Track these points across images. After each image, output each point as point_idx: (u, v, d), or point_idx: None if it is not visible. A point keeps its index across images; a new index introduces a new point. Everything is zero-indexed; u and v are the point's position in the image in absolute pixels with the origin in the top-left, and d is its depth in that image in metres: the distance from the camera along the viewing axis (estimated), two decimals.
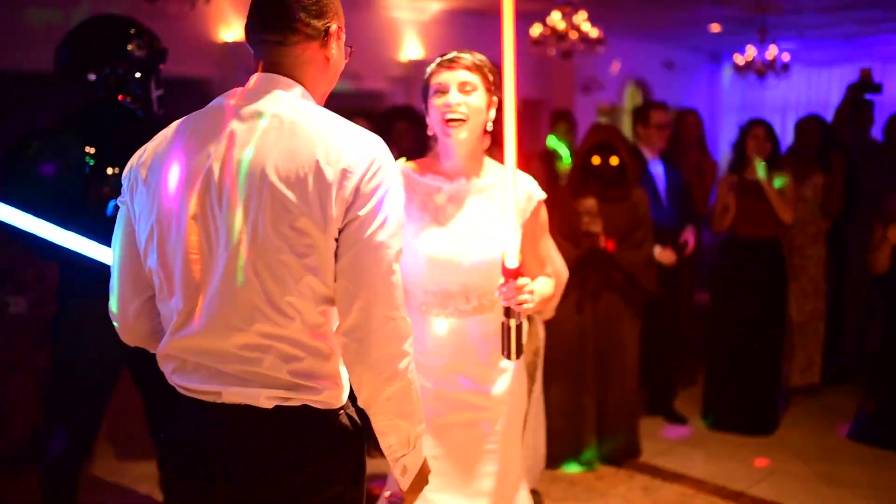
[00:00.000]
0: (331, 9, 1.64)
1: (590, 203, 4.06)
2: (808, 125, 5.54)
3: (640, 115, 4.98)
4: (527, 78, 9.66)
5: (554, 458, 4.21)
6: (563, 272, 2.83)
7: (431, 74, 2.29)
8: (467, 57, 2.28)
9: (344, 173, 1.49)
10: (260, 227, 1.50)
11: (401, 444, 1.64)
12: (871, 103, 5.94)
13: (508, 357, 2.15)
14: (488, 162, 2.37)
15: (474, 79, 2.26)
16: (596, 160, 4.08)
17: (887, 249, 4.40)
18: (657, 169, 4.90)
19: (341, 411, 1.64)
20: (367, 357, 1.54)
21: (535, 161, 5.09)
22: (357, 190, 1.49)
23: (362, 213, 1.50)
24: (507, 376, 2.39)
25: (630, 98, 12.31)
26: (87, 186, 2.85)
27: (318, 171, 1.48)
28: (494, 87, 2.27)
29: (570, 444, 4.23)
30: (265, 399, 1.55)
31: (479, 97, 2.27)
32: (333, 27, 1.64)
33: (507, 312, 2.12)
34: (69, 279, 2.99)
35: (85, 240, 2.38)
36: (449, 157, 2.33)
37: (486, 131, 2.31)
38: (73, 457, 3.02)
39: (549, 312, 3.13)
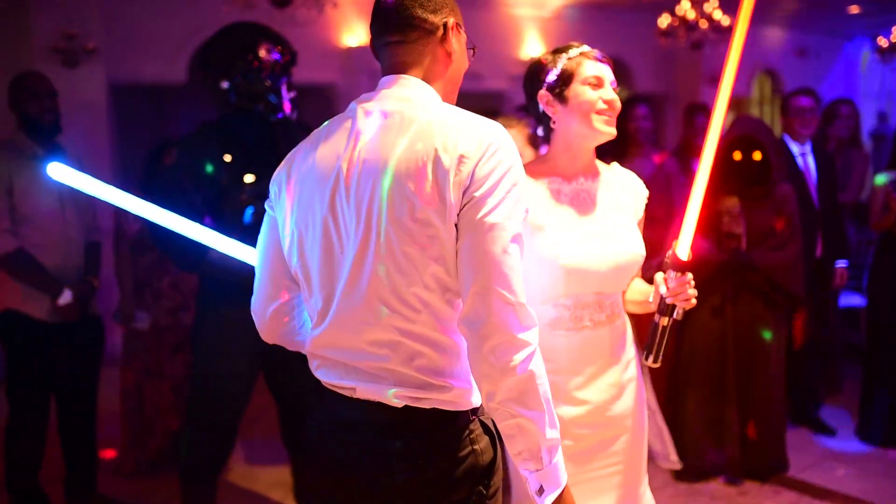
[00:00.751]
0: (447, 4, 1.67)
1: (731, 202, 3.84)
2: None
3: (783, 104, 4.71)
4: (650, 71, 9.41)
5: (695, 472, 4.03)
6: None
7: (578, 65, 2.17)
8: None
9: (461, 159, 1.50)
10: (384, 221, 1.52)
11: (531, 452, 1.54)
12: None
13: (655, 360, 2.06)
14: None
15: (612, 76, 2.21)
16: (737, 156, 3.86)
17: None
18: (808, 160, 4.62)
19: (474, 417, 1.62)
20: (483, 345, 1.49)
21: (670, 157, 4.87)
22: (473, 174, 1.50)
23: (478, 194, 1.49)
24: (632, 389, 2.27)
25: (759, 89, 11.80)
26: (225, 194, 2.88)
27: (437, 160, 1.50)
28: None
29: (712, 457, 4.02)
30: (394, 397, 1.56)
31: None
32: (451, 21, 1.67)
33: (665, 310, 2.03)
34: (208, 288, 3.03)
35: (231, 240, 2.37)
36: (574, 157, 2.22)
37: None
38: (211, 463, 3.06)
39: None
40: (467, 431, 1.60)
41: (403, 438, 1.57)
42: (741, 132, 3.93)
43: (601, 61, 2.18)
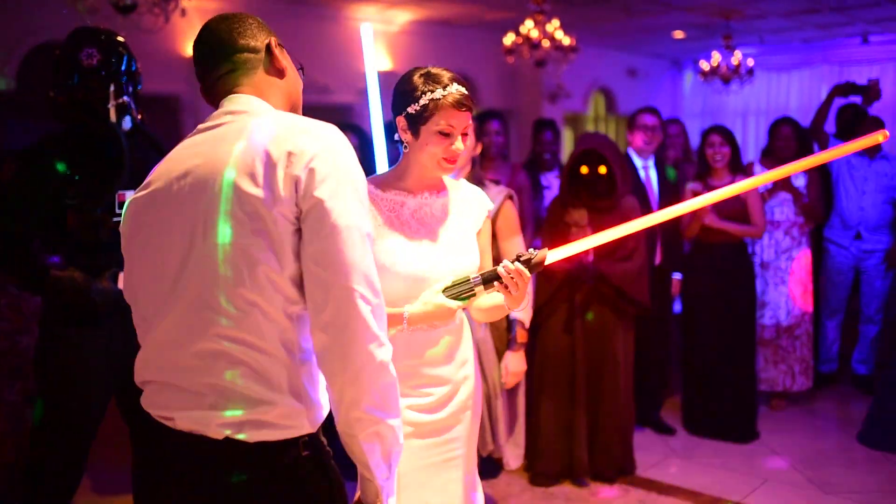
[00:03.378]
0: (262, 28, 1.73)
1: (579, 214, 3.99)
2: (783, 128, 5.56)
3: (629, 121, 4.98)
4: (495, 87, 9.67)
5: (547, 476, 4.15)
6: None
7: (437, 109, 2.16)
8: (469, 98, 2.23)
9: (290, 154, 1.49)
10: (211, 221, 1.50)
11: (387, 459, 1.58)
12: (857, 107, 5.97)
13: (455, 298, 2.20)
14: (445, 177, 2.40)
15: (470, 121, 2.28)
16: (584, 170, 4.02)
17: None
18: (650, 174, 4.89)
19: (306, 452, 1.56)
20: (349, 351, 1.48)
21: (521, 171, 5.02)
22: (308, 172, 1.48)
23: (321, 195, 1.48)
24: (468, 386, 2.41)
25: (594, 106, 12.37)
26: (72, 210, 2.72)
27: (266, 155, 1.50)
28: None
29: (564, 462, 4.16)
30: (217, 425, 1.50)
31: (469, 138, 2.41)
32: (273, 41, 1.72)
33: (488, 282, 2.16)
34: (52, 309, 2.84)
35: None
36: (421, 177, 2.31)
37: None
38: (57, 495, 2.87)
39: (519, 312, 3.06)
40: (296, 470, 1.54)
41: (222, 484, 1.50)
42: (587, 147, 4.09)
43: (461, 109, 2.19)
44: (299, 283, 1.52)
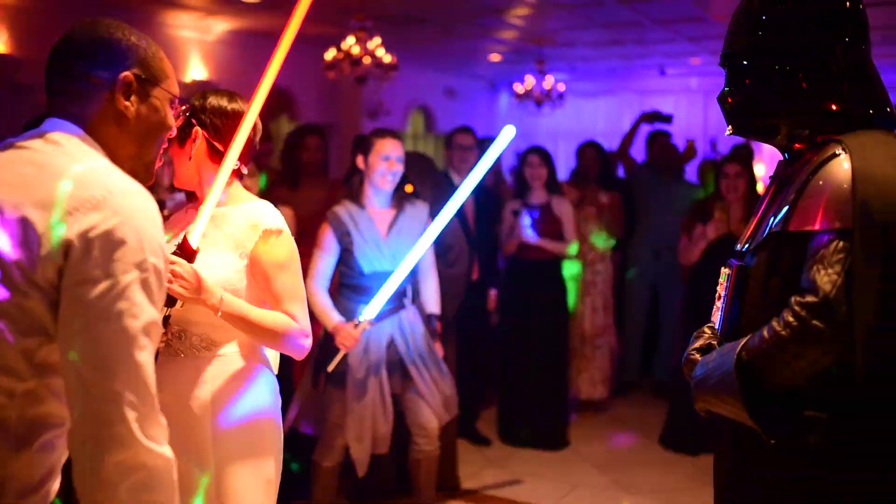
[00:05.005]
0: (129, 55, 1.48)
1: None
2: (588, 150, 5.89)
3: (447, 140, 5.09)
4: (315, 102, 9.60)
5: (376, 492, 4.14)
6: (304, 321, 2.30)
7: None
8: None
9: (45, 203, 1.29)
10: None
11: None
12: (667, 134, 6.38)
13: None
14: (238, 193, 2.29)
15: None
16: (409, 188, 4.06)
17: (704, 243, 4.73)
18: None
19: None
20: (102, 465, 1.26)
21: (341, 189, 5.00)
22: (62, 228, 1.27)
23: (81, 261, 1.27)
24: (206, 420, 2.17)
25: (413, 124, 12.55)
26: None
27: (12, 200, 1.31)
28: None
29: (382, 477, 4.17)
30: None
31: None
32: (129, 75, 1.47)
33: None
34: None
35: None
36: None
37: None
38: None
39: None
40: None
41: None
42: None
43: None
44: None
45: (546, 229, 4.97)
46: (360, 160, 3.61)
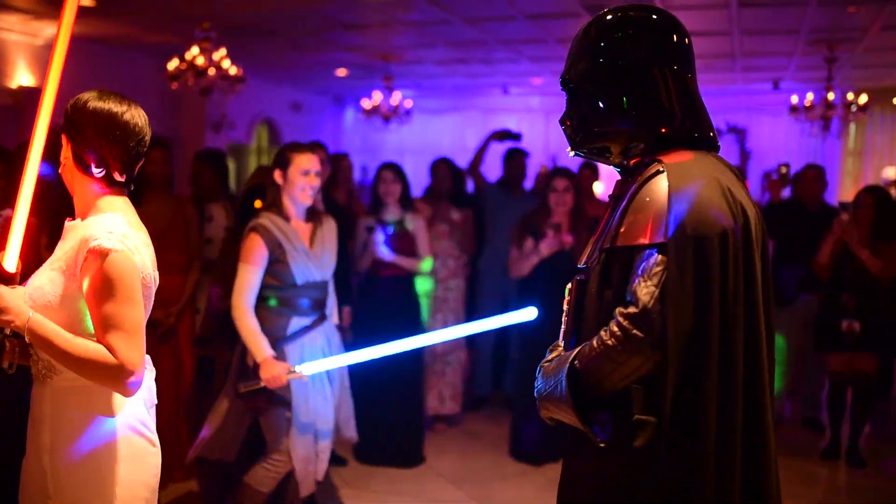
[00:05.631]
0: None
1: None
2: (441, 167, 5.94)
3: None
4: (157, 113, 9.22)
5: None
6: (126, 355, 1.98)
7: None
8: None
9: None
10: None
11: None
12: (524, 153, 6.50)
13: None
14: (105, 204, 2.11)
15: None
16: (258, 204, 3.95)
17: (536, 259, 4.84)
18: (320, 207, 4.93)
19: None
20: None
21: (189, 202, 4.80)
22: None
23: None
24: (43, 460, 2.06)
25: (258, 138, 12.29)
26: None
27: None
28: None
29: None
30: None
31: None
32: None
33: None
34: None
35: None
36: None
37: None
38: None
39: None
40: None
41: None
42: (257, 181, 4.04)
43: None
44: None
45: (400, 246, 4.97)
46: (277, 175, 3.56)
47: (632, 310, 1.72)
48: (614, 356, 1.73)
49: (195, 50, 6.53)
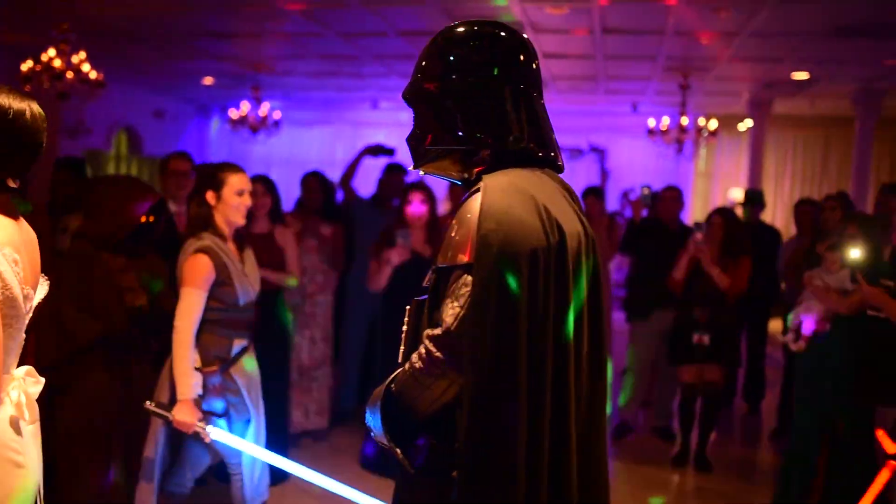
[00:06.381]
0: None
1: (117, 262, 3.76)
2: (312, 181, 5.90)
3: (161, 165, 4.84)
4: None
5: None
6: None
7: None
8: None
9: None
10: None
11: None
12: (403, 170, 6.49)
13: None
14: None
15: None
16: (146, 219, 3.77)
17: (388, 269, 4.87)
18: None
19: None
20: None
21: (43, 212, 4.58)
22: None
23: None
24: None
25: (117, 145, 11.85)
26: None
27: None
28: None
29: None
30: None
31: None
32: None
33: None
34: None
35: None
36: None
37: None
38: None
39: None
40: None
41: None
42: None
43: None
44: None
45: (268, 259, 4.89)
46: (210, 196, 3.45)
47: (437, 332, 1.67)
48: (421, 379, 1.68)
49: (52, 51, 6.23)
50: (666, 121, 9.69)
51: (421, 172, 1.96)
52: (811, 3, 6.30)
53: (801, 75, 9.18)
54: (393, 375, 1.76)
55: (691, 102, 10.16)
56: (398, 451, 1.74)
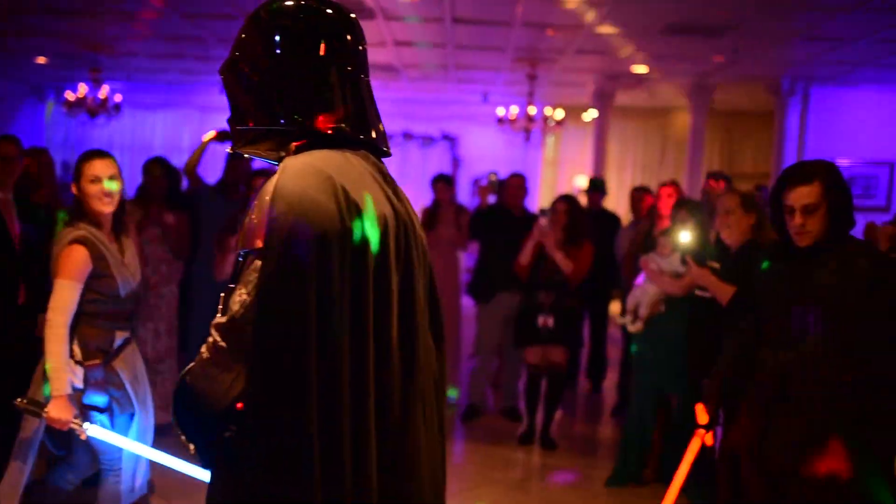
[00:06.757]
0: None
1: None
2: (155, 167, 5.68)
3: None
4: None
5: None
6: None
7: None
8: None
9: None
10: None
11: None
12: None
13: None
14: None
15: None
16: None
17: (233, 257, 4.75)
18: (13, 211, 4.51)
19: None
20: None
21: None
22: None
23: None
24: None
25: None
26: None
27: None
28: None
29: None
30: None
31: None
32: None
33: None
34: None
35: None
36: None
37: None
38: None
39: None
40: None
41: None
42: None
43: None
44: None
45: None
46: (73, 187, 3.33)
47: (222, 320, 1.58)
48: (207, 370, 1.59)
49: None
50: (515, 110, 9.94)
51: (228, 150, 1.86)
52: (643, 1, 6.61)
53: (641, 69, 9.63)
54: (188, 367, 1.65)
55: (539, 93, 10.46)
56: (191, 446, 1.68)
